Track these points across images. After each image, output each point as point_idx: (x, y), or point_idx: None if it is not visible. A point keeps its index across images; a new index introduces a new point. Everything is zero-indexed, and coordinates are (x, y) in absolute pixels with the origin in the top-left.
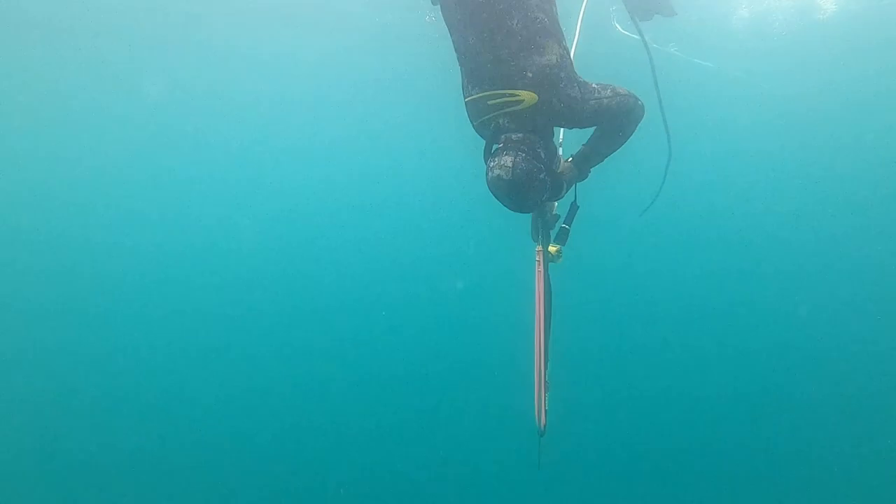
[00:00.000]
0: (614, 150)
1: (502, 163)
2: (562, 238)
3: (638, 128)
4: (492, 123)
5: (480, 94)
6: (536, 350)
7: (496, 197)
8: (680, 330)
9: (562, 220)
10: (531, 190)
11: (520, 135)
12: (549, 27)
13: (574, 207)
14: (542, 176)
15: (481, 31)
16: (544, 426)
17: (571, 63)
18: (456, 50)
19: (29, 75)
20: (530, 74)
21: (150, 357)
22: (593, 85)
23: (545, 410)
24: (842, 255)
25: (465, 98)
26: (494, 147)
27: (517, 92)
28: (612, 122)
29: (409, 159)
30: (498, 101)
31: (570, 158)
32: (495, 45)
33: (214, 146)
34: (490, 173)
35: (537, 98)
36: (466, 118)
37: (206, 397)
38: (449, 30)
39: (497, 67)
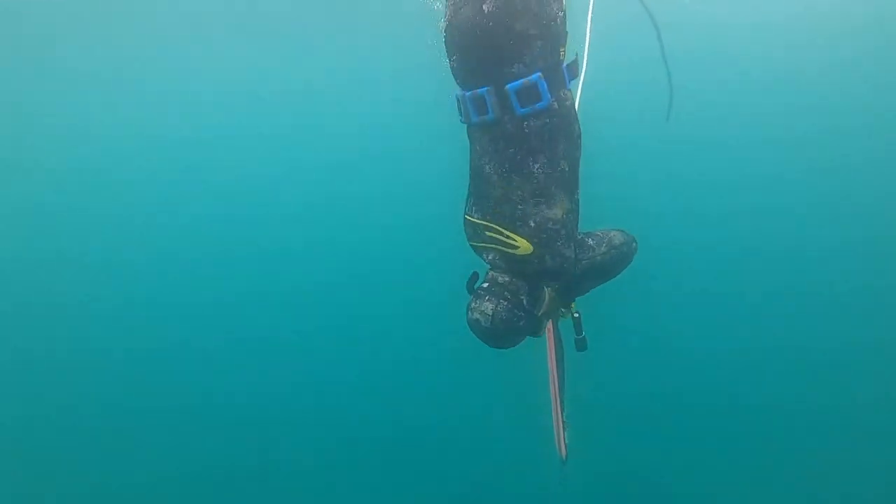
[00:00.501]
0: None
1: (483, 308)
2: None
3: None
4: (483, 254)
5: (480, 221)
6: (553, 397)
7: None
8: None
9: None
10: (507, 337)
11: (507, 278)
12: (567, 177)
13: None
14: (521, 324)
15: (501, 164)
16: (566, 456)
17: (576, 218)
18: (470, 165)
19: None
20: (532, 224)
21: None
22: (590, 242)
23: (565, 444)
24: None
25: (465, 213)
26: (478, 283)
27: (515, 237)
28: (602, 274)
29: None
30: (495, 236)
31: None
32: (511, 184)
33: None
34: (470, 313)
35: (532, 250)
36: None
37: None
38: (469, 140)
39: (503, 205)
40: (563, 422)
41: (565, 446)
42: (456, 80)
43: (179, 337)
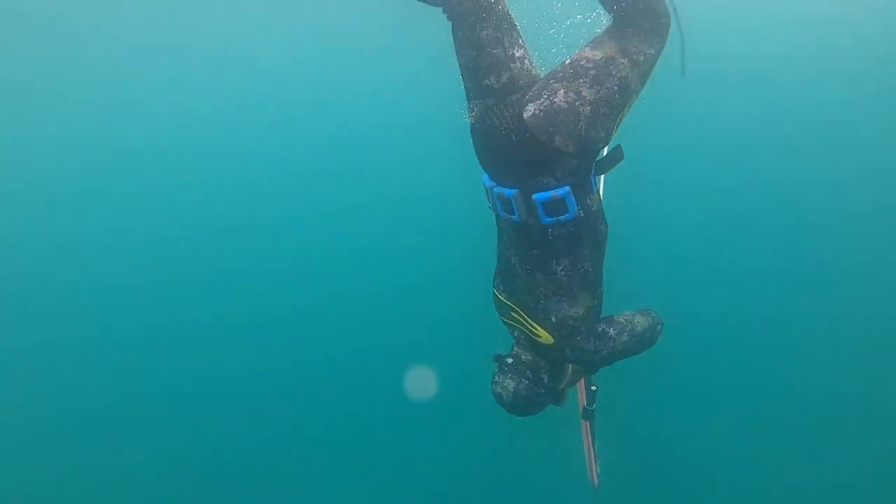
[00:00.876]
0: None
1: (505, 385)
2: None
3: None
4: (509, 329)
5: (506, 301)
6: (584, 432)
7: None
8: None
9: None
10: (528, 410)
11: (529, 357)
12: (590, 278)
13: (589, 411)
14: (540, 399)
15: (526, 260)
16: (598, 484)
17: (598, 314)
18: (497, 245)
19: None
20: (554, 319)
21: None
22: (611, 332)
23: (598, 474)
24: None
25: (493, 287)
26: (506, 358)
27: (537, 327)
28: (623, 357)
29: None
30: (519, 318)
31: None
32: (534, 280)
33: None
34: (494, 386)
35: (553, 341)
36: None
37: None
38: (496, 224)
39: (527, 297)
40: (595, 453)
41: (597, 476)
42: (482, 167)
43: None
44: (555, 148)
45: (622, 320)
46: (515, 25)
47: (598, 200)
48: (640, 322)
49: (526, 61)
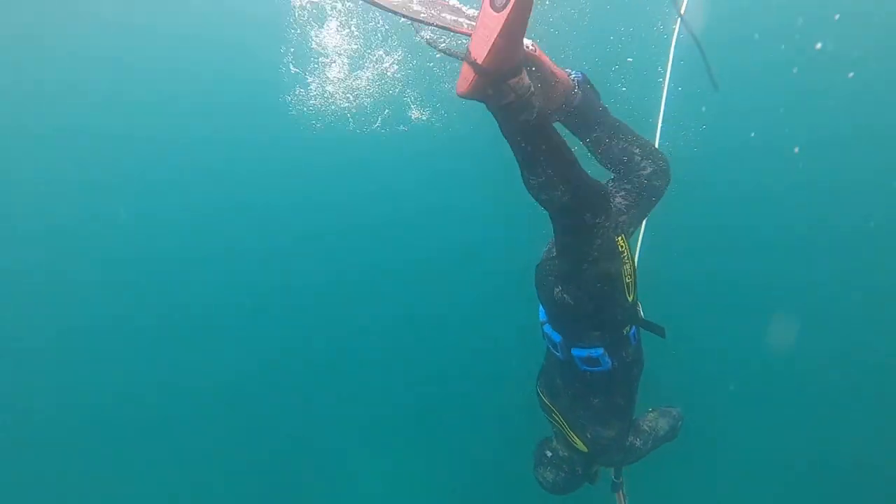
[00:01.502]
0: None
1: (545, 475)
2: (615, 486)
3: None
4: (550, 424)
5: (549, 404)
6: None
7: None
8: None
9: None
10: (565, 493)
11: (566, 453)
12: (623, 408)
13: (617, 484)
14: (575, 483)
15: (567, 388)
16: None
17: (627, 433)
18: (547, 355)
19: None
20: (589, 436)
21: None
22: (638, 444)
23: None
24: None
25: (537, 384)
26: (546, 450)
27: (575, 437)
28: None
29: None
30: (559, 423)
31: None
32: (574, 403)
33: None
34: (536, 474)
35: (587, 450)
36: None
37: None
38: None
39: (568, 413)
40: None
41: None
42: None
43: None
44: (597, 320)
45: (647, 428)
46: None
47: (637, 349)
48: (663, 426)
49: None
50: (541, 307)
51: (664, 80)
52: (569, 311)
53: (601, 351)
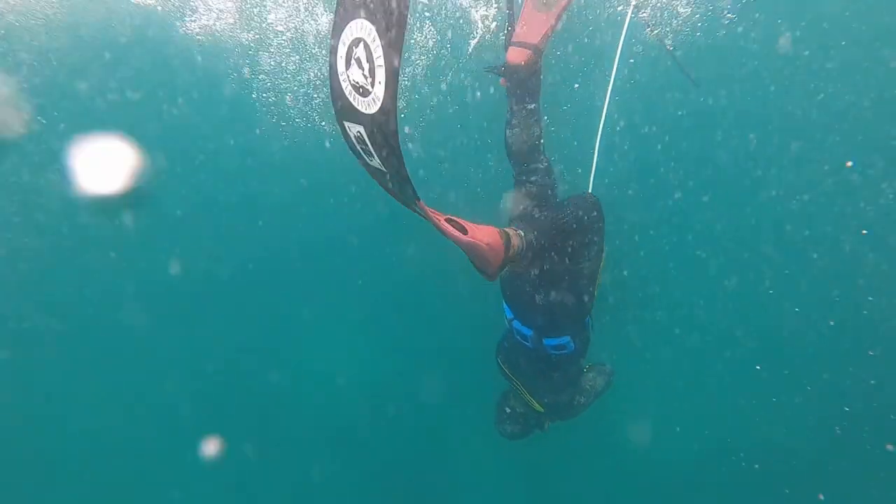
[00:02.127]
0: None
1: (505, 428)
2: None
3: None
4: (512, 390)
5: (510, 375)
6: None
7: None
8: None
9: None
10: (522, 440)
11: (522, 410)
12: (575, 378)
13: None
14: (528, 433)
15: (530, 366)
16: None
17: (579, 392)
18: (506, 335)
19: None
20: (546, 400)
21: None
22: (581, 400)
23: None
24: None
25: (497, 356)
26: (506, 406)
27: (532, 401)
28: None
29: None
30: (518, 388)
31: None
32: (535, 378)
33: None
34: (498, 427)
35: (542, 411)
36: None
37: None
38: (510, 327)
39: (528, 383)
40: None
41: None
42: (506, 304)
43: None
44: (563, 325)
45: (588, 387)
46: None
47: (589, 331)
48: (600, 383)
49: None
50: (506, 307)
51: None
52: (555, 311)
53: (569, 338)
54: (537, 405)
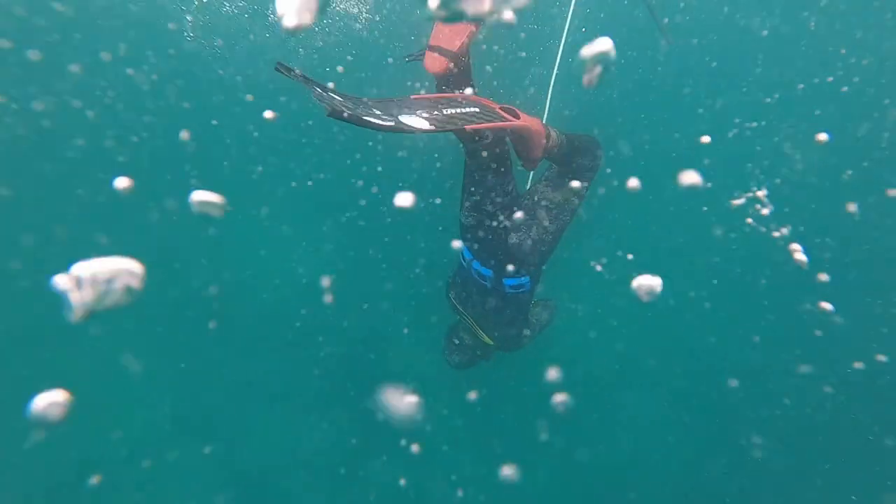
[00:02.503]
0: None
1: (453, 358)
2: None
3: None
4: (461, 323)
5: (461, 310)
6: None
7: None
8: None
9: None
10: (468, 369)
11: (470, 342)
12: (525, 313)
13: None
14: (475, 363)
15: (484, 302)
16: None
17: (526, 326)
18: (456, 274)
19: None
20: (496, 334)
21: None
22: (527, 333)
23: None
24: None
25: (447, 292)
26: (454, 338)
27: (482, 334)
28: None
29: None
30: (468, 323)
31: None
32: (487, 314)
33: None
34: (446, 356)
35: (492, 343)
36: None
37: None
38: (460, 270)
39: (479, 318)
40: None
41: None
42: (467, 247)
43: None
44: (527, 262)
45: (534, 321)
46: (510, 164)
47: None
48: (545, 316)
49: (512, 188)
50: (465, 248)
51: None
52: (529, 249)
53: (528, 278)
54: (487, 338)
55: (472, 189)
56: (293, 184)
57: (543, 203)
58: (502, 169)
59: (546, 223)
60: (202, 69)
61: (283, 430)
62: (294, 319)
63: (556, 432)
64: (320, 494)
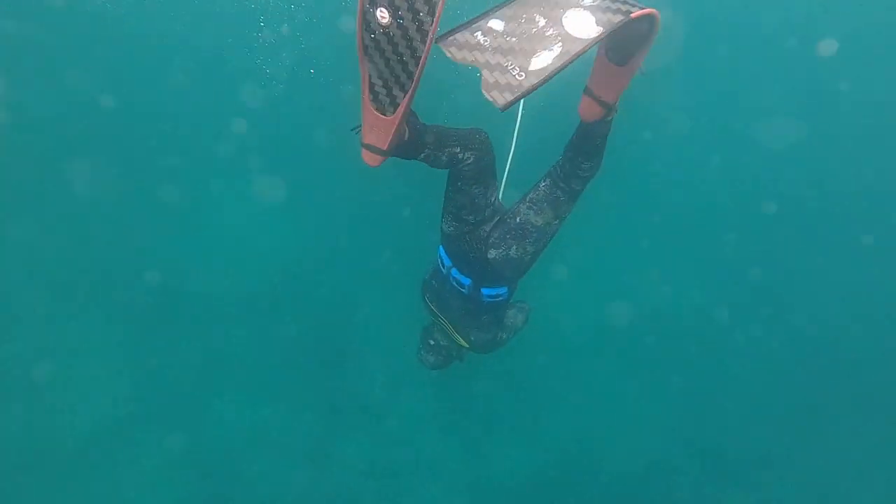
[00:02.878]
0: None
1: (427, 359)
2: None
3: None
4: (436, 325)
5: (436, 312)
6: None
7: None
8: None
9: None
10: (441, 369)
11: (445, 343)
12: (501, 318)
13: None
14: (449, 363)
15: (462, 307)
16: None
17: (502, 329)
18: (431, 279)
19: None
20: (472, 338)
21: None
22: (503, 336)
23: None
24: None
25: (423, 295)
26: (430, 339)
27: (458, 337)
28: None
29: None
30: (445, 325)
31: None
32: (463, 318)
33: None
34: (420, 357)
35: (467, 346)
36: None
37: None
38: (437, 277)
39: (456, 322)
40: None
41: None
42: (447, 255)
43: None
44: (504, 276)
45: (510, 324)
46: (495, 173)
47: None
48: (520, 319)
49: (494, 199)
50: (443, 254)
51: None
52: (507, 265)
53: (506, 290)
54: (462, 341)
55: (454, 198)
56: (255, 155)
57: (525, 226)
58: (485, 181)
59: (527, 244)
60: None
61: (249, 412)
62: (257, 299)
63: (524, 403)
64: (290, 477)
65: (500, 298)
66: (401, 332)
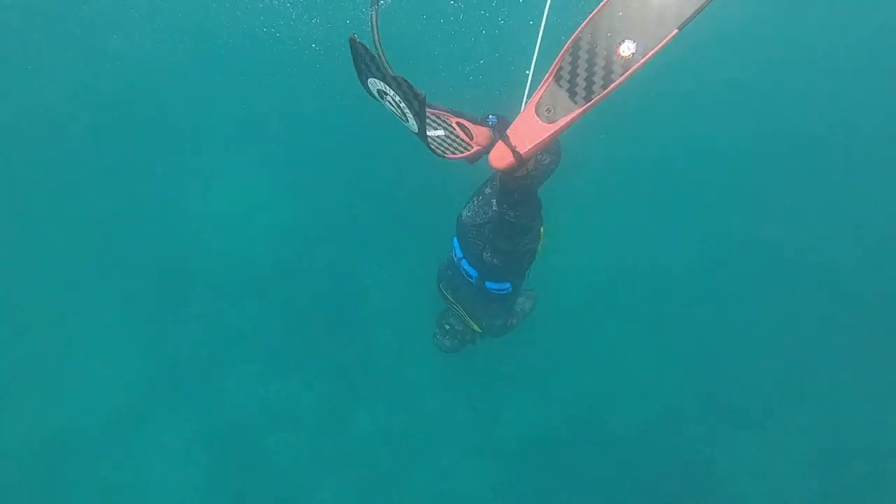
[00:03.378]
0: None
1: (443, 342)
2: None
3: None
4: (451, 311)
5: (451, 299)
6: None
7: None
8: None
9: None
10: (456, 353)
11: (459, 328)
12: (511, 306)
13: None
14: (463, 347)
15: (473, 296)
16: None
17: (511, 316)
18: (450, 264)
19: None
20: (485, 324)
21: None
22: (513, 321)
23: None
24: None
25: (439, 282)
26: (445, 323)
27: (472, 322)
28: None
29: None
30: (459, 312)
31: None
32: (475, 305)
33: None
34: (436, 340)
35: (480, 331)
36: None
37: None
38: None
39: (469, 308)
40: None
41: None
42: (459, 242)
43: None
44: (505, 278)
45: (519, 310)
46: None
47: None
48: (528, 305)
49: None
50: (456, 245)
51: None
52: (495, 269)
53: (509, 285)
54: (476, 326)
55: (493, 217)
56: (253, 121)
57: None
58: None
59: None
60: None
61: (261, 387)
62: (262, 267)
63: (532, 362)
64: (305, 447)
65: (505, 292)
66: (410, 299)
